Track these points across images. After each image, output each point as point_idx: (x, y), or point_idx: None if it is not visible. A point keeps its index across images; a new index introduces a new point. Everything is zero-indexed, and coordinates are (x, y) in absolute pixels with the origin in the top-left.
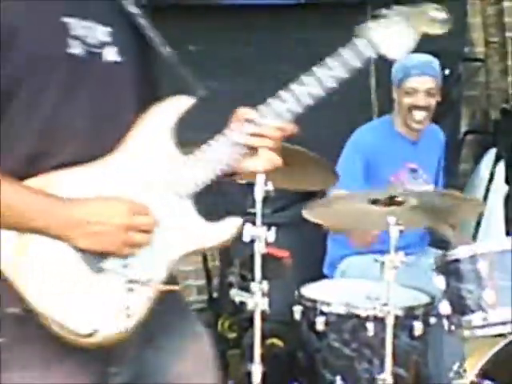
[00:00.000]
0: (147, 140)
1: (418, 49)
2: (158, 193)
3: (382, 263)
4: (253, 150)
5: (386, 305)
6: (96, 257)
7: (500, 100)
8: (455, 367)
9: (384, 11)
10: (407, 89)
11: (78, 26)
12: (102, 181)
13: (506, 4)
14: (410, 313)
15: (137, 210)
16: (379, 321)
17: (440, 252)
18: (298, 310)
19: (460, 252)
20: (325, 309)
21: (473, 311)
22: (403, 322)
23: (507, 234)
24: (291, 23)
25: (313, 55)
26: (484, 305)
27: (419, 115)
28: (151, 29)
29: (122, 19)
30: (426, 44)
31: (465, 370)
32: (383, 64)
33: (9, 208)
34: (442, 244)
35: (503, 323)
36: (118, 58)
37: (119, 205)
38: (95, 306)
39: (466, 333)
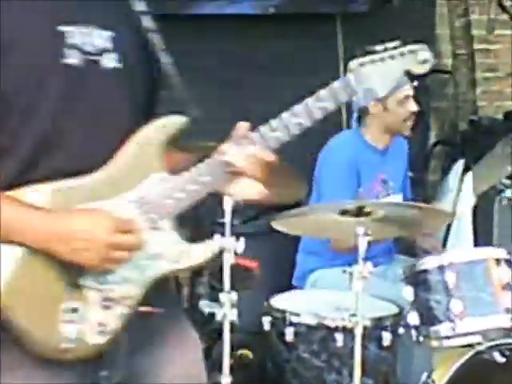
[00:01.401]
0: (136, 158)
1: None
2: (141, 211)
3: (351, 274)
4: (239, 175)
5: (354, 315)
6: (75, 271)
7: (468, 111)
8: (424, 377)
9: (376, 48)
10: (401, 98)
11: (75, 33)
12: (90, 194)
13: (473, 17)
14: (378, 323)
15: (121, 228)
16: (348, 331)
17: (409, 260)
18: (267, 321)
19: (428, 262)
20: (294, 319)
21: (441, 321)
22: (372, 333)
23: (475, 244)
24: (258, 34)
25: (277, 65)
26: (452, 315)
27: (411, 121)
28: (156, 33)
29: (126, 22)
30: None
31: (433, 381)
32: None
33: None
34: (412, 251)
35: (471, 333)
36: (117, 65)
37: (104, 221)
38: (70, 322)
39: (434, 343)
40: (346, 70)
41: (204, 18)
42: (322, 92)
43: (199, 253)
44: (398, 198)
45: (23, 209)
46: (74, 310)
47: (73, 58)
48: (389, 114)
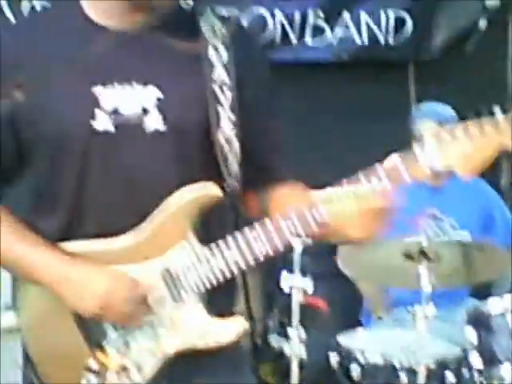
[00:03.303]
0: (166, 225)
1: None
2: (165, 282)
3: (414, 314)
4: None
5: (418, 356)
6: (99, 332)
7: None
8: None
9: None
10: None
11: (108, 94)
12: (116, 258)
13: None
14: (442, 364)
15: (138, 298)
16: (412, 371)
17: (474, 302)
18: (334, 358)
19: (491, 306)
20: (360, 358)
21: (503, 364)
22: (435, 373)
23: None
24: (331, 80)
25: (352, 111)
26: None
27: None
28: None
29: (180, 76)
30: (468, 96)
31: None
32: None
33: (17, 260)
34: (480, 290)
35: None
36: (161, 127)
37: (123, 287)
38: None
39: None
40: None
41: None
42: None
43: (228, 330)
44: (462, 236)
45: (48, 250)
46: (94, 371)
47: (106, 124)
48: None
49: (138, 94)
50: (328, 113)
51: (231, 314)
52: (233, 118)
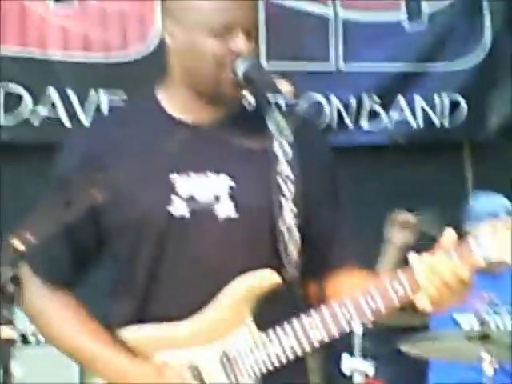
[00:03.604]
0: (226, 310)
1: None
2: (222, 367)
3: None
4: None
5: None
6: None
7: None
8: None
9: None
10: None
11: (186, 182)
12: (175, 342)
13: None
14: None
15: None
16: None
17: None
18: None
19: None
20: None
21: None
22: None
23: None
24: (389, 162)
25: (409, 194)
26: None
27: None
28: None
29: (251, 166)
30: None
31: None
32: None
33: (79, 350)
34: None
35: None
36: (232, 214)
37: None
38: None
39: None
40: None
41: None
42: None
43: None
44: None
45: (108, 345)
46: None
47: (182, 210)
48: None
49: (212, 183)
50: (384, 196)
51: None
52: (295, 209)
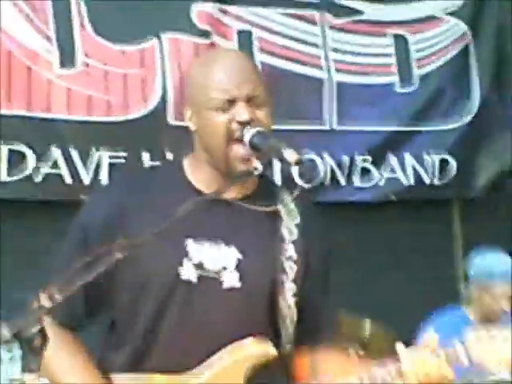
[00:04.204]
0: (223, 375)
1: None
2: None
3: None
4: None
5: None
6: None
7: None
8: None
9: None
10: (492, 292)
11: (197, 249)
12: None
13: None
14: None
15: None
16: None
17: None
18: None
19: None
20: None
21: None
22: None
23: None
24: (380, 219)
25: (399, 253)
26: None
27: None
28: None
29: (258, 242)
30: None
31: None
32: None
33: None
34: None
35: None
36: (236, 284)
37: None
38: None
39: None
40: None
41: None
42: None
43: None
44: None
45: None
46: None
47: (191, 274)
48: (488, 301)
49: (222, 253)
50: (376, 251)
51: None
52: (294, 288)
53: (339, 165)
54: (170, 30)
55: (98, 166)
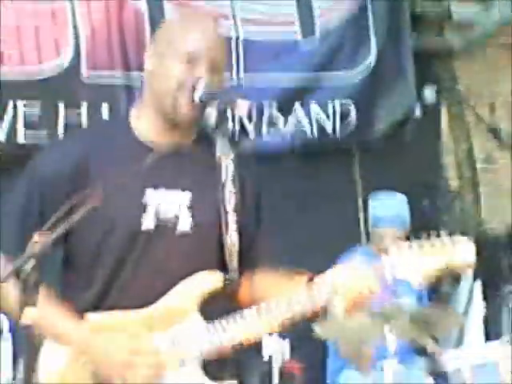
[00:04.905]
0: (175, 305)
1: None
2: (171, 349)
3: (382, 368)
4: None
5: None
6: None
7: (474, 226)
8: None
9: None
10: (377, 236)
11: (155, 197)
12: (135, 328)
13: (475, 142)
14: None
15: (138, 350)
16: None
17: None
18: None
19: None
20: None
21: None
22: None
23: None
24: (281, 171)
25: (304, 197)
26: None
27: None
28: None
29: (206, 183)
30: (407, 178)
31: None
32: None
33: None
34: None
35: None
36: (188, 228)
37: (121, 340)
38: None
39: None
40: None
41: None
42: None
43: None
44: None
45: (69, 322)
46: None
47: (149, 224)
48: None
49: (177, 199)
50: (284, 199)
51: (222, 378)
52: (235, 218)
53: (248, 117)
54: None
55: (14, 118)
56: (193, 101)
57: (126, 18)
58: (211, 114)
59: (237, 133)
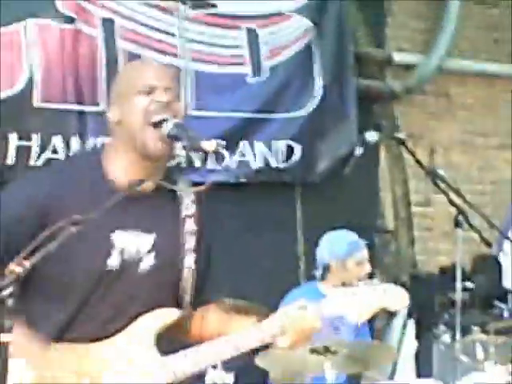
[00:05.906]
0: (136, 338)
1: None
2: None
3: None
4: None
5: None
6: None
7: (408, 266)
8: None
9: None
10: (358, 261)
11: (122, 238)
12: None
13: (411, 185)
14: None
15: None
16: None
17: None
18: None
19: None
20: None
21: None
22: None
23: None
24: (229, 199)
25: (247, 228)
26: None
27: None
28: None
29: (167, 226)
30: (346, 214)
31: None
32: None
33: None
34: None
35: None
36: (150, 266)
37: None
38: None
39: None
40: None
41: None
42: None
43: None
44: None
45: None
46: None
47: (114, 262)
48: (347, 273)
49: (141, 239)
50: (227, 229)
51: None
52: (194, 258)
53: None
54: (35, 16)
55: None
56: (161, 136)
57: (81, 50)
58: (180, 150)
59: (184, 165)
